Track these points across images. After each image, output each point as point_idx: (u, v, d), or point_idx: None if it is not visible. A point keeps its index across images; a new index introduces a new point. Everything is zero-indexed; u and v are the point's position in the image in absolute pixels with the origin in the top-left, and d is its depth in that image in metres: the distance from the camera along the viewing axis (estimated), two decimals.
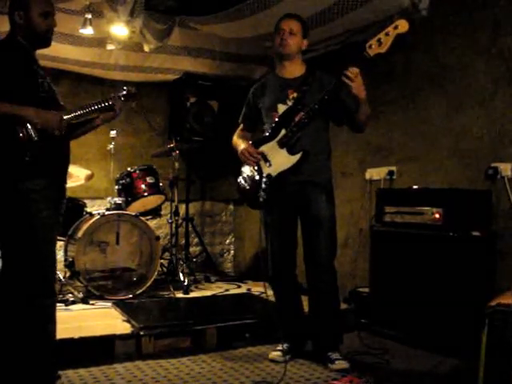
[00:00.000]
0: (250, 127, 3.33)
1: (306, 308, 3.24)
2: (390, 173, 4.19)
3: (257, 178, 3.04)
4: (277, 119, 3.01)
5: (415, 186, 3.72)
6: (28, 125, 2.35)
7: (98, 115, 2.75)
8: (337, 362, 2.96)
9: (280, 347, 3.13)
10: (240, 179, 3.16)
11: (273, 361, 3.09)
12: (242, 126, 3.35)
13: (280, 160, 2.98)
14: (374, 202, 3.94)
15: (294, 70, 3.10)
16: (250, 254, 6.09)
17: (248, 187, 3.11)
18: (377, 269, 3.71)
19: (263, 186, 2.98)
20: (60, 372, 2.69)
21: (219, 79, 5.73)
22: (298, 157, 2.94)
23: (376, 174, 4.32)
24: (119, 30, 4.16)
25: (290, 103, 3.00)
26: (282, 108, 3.02)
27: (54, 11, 2.58)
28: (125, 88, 2.82)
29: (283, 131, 2.97)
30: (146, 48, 4.55)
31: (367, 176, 4.38)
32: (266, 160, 3.02)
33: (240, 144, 3.16)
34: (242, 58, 5.25)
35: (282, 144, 2.97)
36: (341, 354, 3.04)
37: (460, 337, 3.06)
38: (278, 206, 3.05)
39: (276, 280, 3.18)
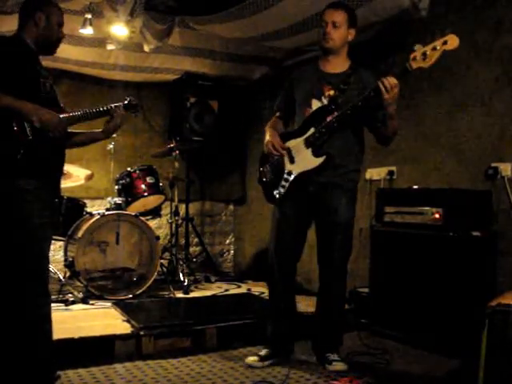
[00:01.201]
0: (284, 116, 3.18)
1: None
2: (390, 173, 4.19)
3: (277, 172, 2.98)
4: (308, 116, 2.91)
5: (415, 186, 3.72)
6: (25, 123, 2.34)
7: (102, 130, 2.76)
8: (334, 364, 2.95)
9: (260, 352, 3.06)
10: (262, 170, 3.10)
11: (250, 366, 2.99)
12: (277, 113, 3.20)
13: (304, 159, 2.90)
14: (374, 202, 3.94)
15: (337, 64, 2.96)
16: (250, 254, 6.09)
17: (268, 180, 3.06)
18: (377, 269, 3.70)
19: (282, 182, 2.92)
20: (60, 372, 2.69)
21: (219, 79, 5.73)
22: (321, 160, 2.86)
23: (376, 173, 4.32)
24: (119, 29, 4.16)
25: (325, 101, 2.88)
26: (316, 104, 2.90)
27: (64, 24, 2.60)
28: (127, 98, 2.84)
29: (312, 130, 2.88)
30: (146, 48, 4.55)
31: (367, 176, 4.38)
32: (291, 156, 2.94)
33: (268, 134, 3.05)
34: (242, 58, 5.25)
35: (308, 143, 2.89)
36: (340, 355, 3.02)
37: (460, 337, 3.06)
38: (295, 204, 2.96)
39: (276, 277, 3.07)
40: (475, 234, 3.17)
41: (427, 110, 3.95)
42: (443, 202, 3.30)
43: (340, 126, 2.82)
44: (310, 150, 2.90)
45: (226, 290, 4.86)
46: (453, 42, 2.52)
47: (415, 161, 4.03)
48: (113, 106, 2.74)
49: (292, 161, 2.95)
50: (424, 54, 2.56)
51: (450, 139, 3.78)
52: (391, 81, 2.64)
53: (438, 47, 2.53)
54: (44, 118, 2.37)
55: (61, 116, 2.49)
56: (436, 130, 3.88)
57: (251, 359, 3.02)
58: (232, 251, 6.50)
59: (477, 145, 3.59)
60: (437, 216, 3.30)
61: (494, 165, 3.44)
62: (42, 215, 2.43)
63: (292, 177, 2.92)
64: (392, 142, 3.05)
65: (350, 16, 2.92)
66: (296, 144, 2.94)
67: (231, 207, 6.52)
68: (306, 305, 3.85)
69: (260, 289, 4.76)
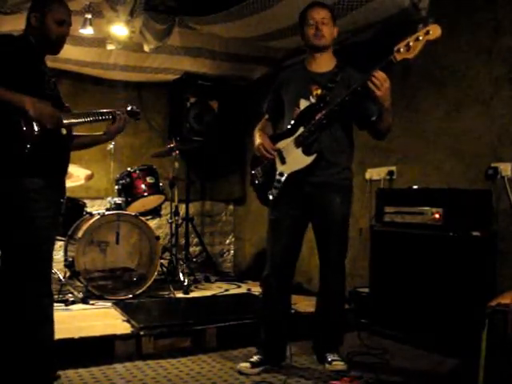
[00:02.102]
0: (274, 118, 3.18)
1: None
2: (390, 173, 4.19)
3: (269, 174, 2.97)
4: (297, 116, 2.91)
5: (415, 186, 3.72)
6: (31, 114, 2.34)
7: (104, 132, 2.77)
8: (334, 363, 2.94)
9: (251, 358, 3.01)
10: (254, 173, 3.10)
11: (241, 373, 2.93)
12: (266, 116, 3.20)
13: (295, 159, 2.89)
14: (374, 202, 3.94)
15: (323, 64, 2.95)
16: (250, 254, 6.09)
17: (260, 182, 3.06)
18: (377, 269, 3.70)
19: (275, 183, 2.91)
20: (60, 372, 2.69)
21: (219, 79, 5.73)
22: (311, 158, 2.85)
23: (376, 173, 4.32)
24: (119, 29, 4.16)
25: (313, 100, 2.88)
26: (304, 104, 2.89)
27: (71, 21, 2.59)
28: (129, 105, 2.87)
29: (301, 129, 2.87)
30: (146, 48, 4.55)
31: (367, 176, 4.38)
32: (282, 157, 2.93)
33: (257, 137, 3.05)
34: (242, 58, 5.25)
35: (298, 143, 2.88)
36: (339, 355, 3.02)
37: (460, 337, 3.06)
38: (289, 205, 2.94)
39: (273, 279, 3.01)
40: (475, 234, 3.17)
41: (427, 110, 3.95)
42: (443, 202, 3.31)
43: (329, 122, 2.82)
44: (300, 149, 2.88)
45: (226, 290, 4.86)
46: (435, 31, 2.52)
47: (415, 161, 4.03)
48: (116, 111, 2.77)
49: (283, 161, 2.94)
50: (407, 46, 2.55)
51: (450, 139, 3.78)
52: (379, 76, 2.61)
53: (421, 37, 2.53)
54: (39, 108, 2.35)
55: (65, 121, 2.50)
56: (436, 129, 3.88)
57: (243, 365, 2.96)
58: (232, 251, 6.50)
59: (477, 145, 3.59)
60: (437, 216, 3.30)
61: (493, 165, 3.44)
62: (47, 215, 2.43)
63: (284, 177, 2.91)
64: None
65: (333, 14, 2.96)
66: (286, 144, 2.93)
67: (231, 207, 6.52)
68: (305, 305, 3.85)
69: (260, 289, 4.75)
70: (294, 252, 3.04)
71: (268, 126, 3.18)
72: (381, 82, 2.61)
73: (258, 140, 3.03)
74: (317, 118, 2.82)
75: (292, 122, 2.95)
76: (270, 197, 2.93)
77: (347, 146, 3.00)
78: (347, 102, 2.73)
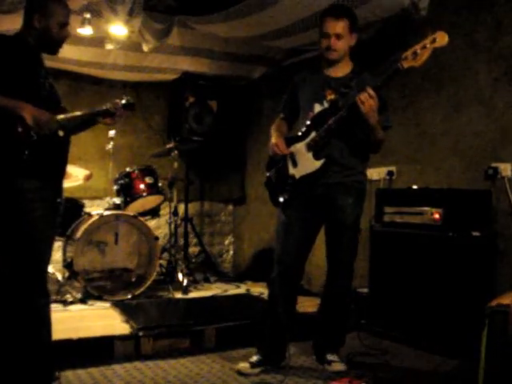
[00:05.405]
0: (290, 117, 3.16)
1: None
2: (390, 173, 4.18)
3: (282, 176, 2.98)
4: (310, 120, 2.92)
5: (415, 186, 3.71)
6: (28, 122, 2.33)
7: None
8: (333, 364, 2.95)
9: (251, 359, 3.00)
10: (269, 175, 3.11)
11: (240, 373, 2.93)
12: (282, 115, 3.19)
13: (305, 163, 2.91)
14: (373, 202, 3.93)
15: (339, 69, 2.96)
16: (249, 255, 6.08)
17: (273, 185, 3.07)
18: (376, 269, 3.70)
19: (286, 187, 2.93)
20: (58, 373, 2.68)
21: (218, 79, 5.72)
22: (320, 163, 2.86)
23: (375, 174, 4.31)
24: (118, 29, 4.15)
25: (326, 104, 2.89)
26: (317, 108, 2.91)
27: (69, 23, 2.59)
28: (124, 97, 2.84)
29: (313, 134, 2.88)
30: (145, 48, 4.54)
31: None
32: (294, 160, 2.95)
33: (273, 137, 3.04)
34: (241, 57, 5.25)
35: (309, 147, 2.89)
36: (339, 356, 3.02)
37: (460, 337, 3.05)
38: (301, 208, 2.94)
39: (281, 281, 2.98)
40: (475, 234, 3.17)
41: (427, 110, 3.95)
42: (443, 202, 3.30)
43: (339, 128, 2.82)
44: (311, 153, 2.90)
45: (225, 291, 4.85)
46: (441, 39, 2.53)
47: (415, 161, 4.03)
48: (112, 104, 2.73)
49: (295, 165, 2.95)
50: (414, 53, 2.57)
51: (449, 139, 3.77)
52: (366, 94, 2.65)
53: (428, 45, 2.55)
54: (36, 116, 2.34)
55: (58, 118, 2.48)
56: (436, 129, 3.88)
57: (242, 366, 2.96)
58: (231, 251, 6.49)
59: (476, 145, 3.59)
60: (436, 216, 3.30)
61: (493, 165, 3.43)
62: (44, 215, 2.43)
63: (294, 181, 2.93)
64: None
65: (352, 22, 2.88)
66: (298, 148, 2.95)
67: (230, 207, 6.51)
68: (305, 305, 3.84)
69: (259, 289, 4.75)
70: (304, 255, 3.04)
71: (283, 125, 3.16)
72: (366, 98, 2.64)
73: (272, 139, 3.03)
74: (328, 123, 2.82)
75: (305, 126, 2.95)
76: (281, 199, 2.93)
77: (360, 151, 2.97)
78: (354, 108, 2.72)
